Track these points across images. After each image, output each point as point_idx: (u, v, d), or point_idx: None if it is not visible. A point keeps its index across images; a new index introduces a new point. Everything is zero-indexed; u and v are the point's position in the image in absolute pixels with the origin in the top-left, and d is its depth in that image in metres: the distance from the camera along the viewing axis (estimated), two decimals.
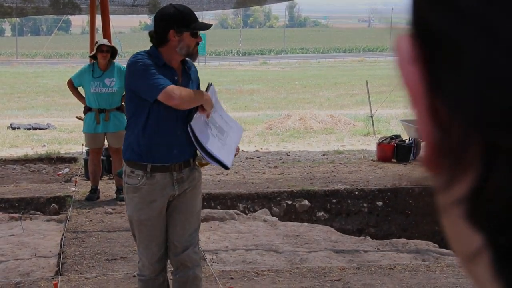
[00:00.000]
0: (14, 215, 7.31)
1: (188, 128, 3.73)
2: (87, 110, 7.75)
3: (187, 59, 3.85)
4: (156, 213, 3.78)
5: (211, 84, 4.00)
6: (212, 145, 3.77)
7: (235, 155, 3.97)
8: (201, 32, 3.81)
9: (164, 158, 3.74)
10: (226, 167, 3.85)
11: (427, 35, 0.37)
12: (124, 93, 6.83)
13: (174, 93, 3.60)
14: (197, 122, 3.76)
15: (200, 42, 3.79)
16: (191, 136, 3.73)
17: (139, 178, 3.74)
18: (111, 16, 9.20)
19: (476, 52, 0.34)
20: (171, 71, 3.76)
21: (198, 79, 3.98)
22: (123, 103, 7.43)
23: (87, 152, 8.49)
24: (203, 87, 3.96)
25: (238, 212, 7.55)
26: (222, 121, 3.95)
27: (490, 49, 0.33)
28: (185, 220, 3.86)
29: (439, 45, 0.36)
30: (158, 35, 3.73)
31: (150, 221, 3.79)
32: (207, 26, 3.86)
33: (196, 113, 3.76)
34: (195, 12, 3.85)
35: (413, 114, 0.39)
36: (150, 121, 3.72)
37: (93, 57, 7.72)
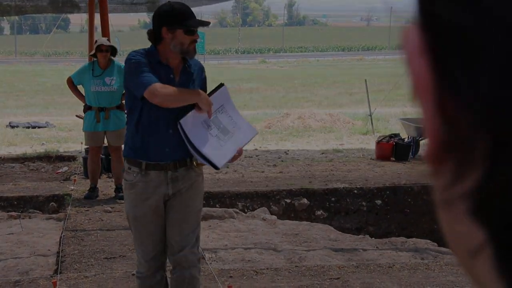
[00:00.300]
0: (13, 213, 7.31)
1: (178, 126, 3.70)
2: (87, 108, 7.76)
3: (193, 58, 3.85)
4: (151, 210, 3.78)
5: (222, 84, 3.93)
6: (204, 144, 3.71)
7: (235, 157, 3.85)
8: (200, 30, 3.79)
9: (157, 156, 3.73)
10: (215, 167, 3.76)
11: (438, 28, 0.36)
12: (124, 91, 6.85)
13: (157, 91, 3.58)
14: (190, 120, 3.71)
15: (196, 40, 3.72)
16: (181, 134, 3.69)
17: (134, 175, 3.75)
18: (110, 15, 9.19)
19: (492, 47, 0.33)
20: (166, 69, 3.74)
21: (202, 79, 3.90)
22: (123, 101, 7.45)
23: (86, 150, 8.49)
24: (211, 87, 3.91)
25: (237, 210, 7.55)
26: (230, 122, 3.86)
27: (507, 45, 0.33)
28: (181, 220, 3.83)
29: (451, 38, 0.35)
30: (154, 32, 3.74)
31: (144, 218, 3.79)
32: (200, 23, 3.78)
33: (191, 112, 3.73)
34: (195, 8, 3.83)
35: (419, 107, 0.38)
36: (143, 119, 3.73)
37: (94, 55, 7.73)
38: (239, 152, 3.85)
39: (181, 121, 3.69)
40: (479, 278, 0.37)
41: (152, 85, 3.58)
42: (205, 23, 3.87)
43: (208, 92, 3.89)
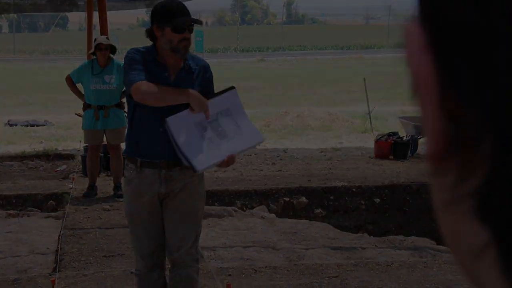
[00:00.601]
0: (11, 212, 7.31)
1: (165, 124, 3.62)
2: (86, 106, 7.76)
3: (196, 57, 3.84)
4: (146, 208, 3.77)
5: (233, 87, 3.84)
6: (189, 144, 3.61)
7: (225, 162, 3.67)
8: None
9: (150, 154, 3.71)
10: (194, 169, 3.60)
11: (441, 23, 0.35)
12: (123, 89, 6.88)
13: (139, 89, 3.56)
14: (181, 120, 3.63)
15: (187, 38, 3.65)
16: (168, 132, 3.61)
17: (131, 171, 3.77)
18: (108, 13, 9.19)
19: (497, 43, 0.33)
20: (161, 68, 3.71)
21: (206, 78, 3.81)
22: (123, 99, 7.46)
23: (85, 148, 8.50)
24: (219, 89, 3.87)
25: (236, 209, 7.56)
26: (233, 127, 3.73)
27: None
28: (177, 220, 3.80)
29: (455, 33, 0.34)
30: (150, 30, 3.74)
31: (139, 215, 3.79)
32: (191, 21, 3.68)
33: (183, 111, 3.66)
34: (195, 7, 3.80)
35: (419, 105, 0.37)
36: (135, 116, 3.75)
37: (94, 53, 7.73)
38: (229, 158, 3.67)
39: (168, 119, 3.60)
40: (480, 279, 0.36)
41: (137, 83, 3.57)
42: (196, 21, 3.78)
43: (215, 93, 3.81)
